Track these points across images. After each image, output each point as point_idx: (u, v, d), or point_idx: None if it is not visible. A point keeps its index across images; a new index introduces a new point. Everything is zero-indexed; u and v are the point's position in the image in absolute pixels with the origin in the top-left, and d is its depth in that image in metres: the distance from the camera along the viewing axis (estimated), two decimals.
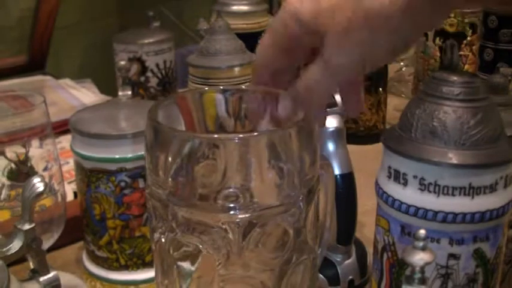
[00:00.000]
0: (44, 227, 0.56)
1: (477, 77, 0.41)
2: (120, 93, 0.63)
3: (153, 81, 1.01)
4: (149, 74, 1.00)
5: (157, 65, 1.00)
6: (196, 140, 0.41)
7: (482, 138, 0.40)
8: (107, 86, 1.21)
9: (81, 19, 1.83)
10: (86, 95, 1.15)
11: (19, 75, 1.26)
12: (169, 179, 0.41)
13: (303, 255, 0.43)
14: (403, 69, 1.23)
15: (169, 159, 0.41)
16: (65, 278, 0.45)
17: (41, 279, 0.43)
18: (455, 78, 0.41)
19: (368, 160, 0.72)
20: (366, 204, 0.63)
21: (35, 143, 0.56)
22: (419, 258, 0.32)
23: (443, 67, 0.44)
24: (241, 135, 0.42)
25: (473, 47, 0.95)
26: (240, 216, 0.40)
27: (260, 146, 0.41)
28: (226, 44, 0.75)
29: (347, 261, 0.62)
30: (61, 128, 0.88)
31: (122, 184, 0.58)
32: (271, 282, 0.42)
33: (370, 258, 0.65)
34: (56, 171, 0.58)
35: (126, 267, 0.61)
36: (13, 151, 0.54)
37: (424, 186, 0.40)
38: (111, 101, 0.81)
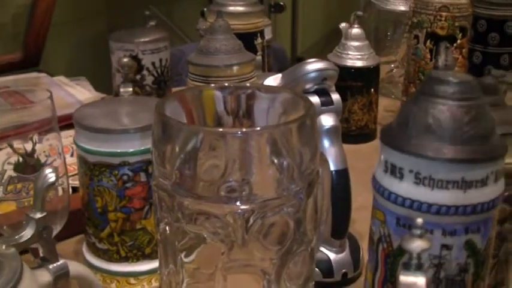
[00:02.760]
0: (48, 219, 0.57)
1: (471, 78, 0.43)
2: (121, 89, 0.64)
3: (149, 80, 1.02)
4: (145, 72, 1.01)
5: (153, 64, 1.01)
6: (201, 133, 0.43)
7: (474, 135, 0.41)
8: (96, 84, 1.22)
9: (70, 18, 1.83)
10: (81, 92, 1.15)
11: (13, 72, 1.26)
12: (175, 171, 0.43)
13: (302, 245, 0.45)
14: (394, 70, 1.25)
15: (176, 151, 0.43)
16: (73, 266, 0.46)
17: (51, 266, 0.44)
18: (450, 78, 0.42)
19: (359, 159, 0.74)
20: (357, 200, 0.65)
21: (39, 136, 0.58)
22: (416, 245, 0.34)
23: (438, 67, 0.46)
24: (244, 130, 0.44)
25: (463, 50, 0.97)
26: (242, 207, 0.42)
27: (262, 141, 0.42)
28: (225, 43, 0.77)
29: (341, 255, 0.64)
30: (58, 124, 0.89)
31: (124, 178, 0.59)
32: (272, 271, 0.44)
33: (362, 252, 0.67)
34: (60, 164, 0.59)
35: (126, 259, 0.62)
36: (20, 144, 0.55)
37: (419, 180, 0.42)
38: (112, 97, 0.83)
